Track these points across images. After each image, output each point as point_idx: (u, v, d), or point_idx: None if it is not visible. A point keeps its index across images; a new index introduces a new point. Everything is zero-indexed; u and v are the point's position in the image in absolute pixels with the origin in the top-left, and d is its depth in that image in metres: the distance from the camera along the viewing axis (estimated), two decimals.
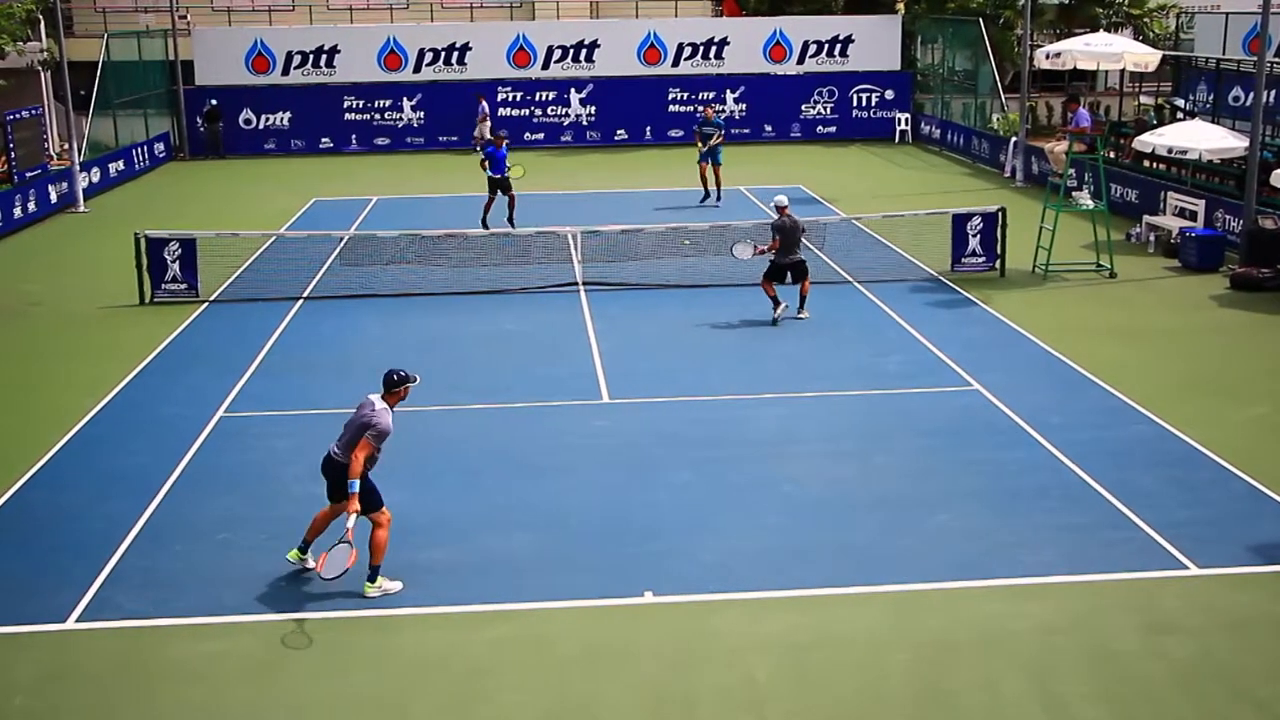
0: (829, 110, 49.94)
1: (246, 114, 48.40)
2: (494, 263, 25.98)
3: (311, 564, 11.78)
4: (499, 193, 28.64)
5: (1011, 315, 21.88)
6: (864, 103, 49.97)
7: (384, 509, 11.69)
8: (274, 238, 27.98)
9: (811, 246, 25.70)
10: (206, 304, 23.99)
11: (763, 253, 21.00)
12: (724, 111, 48.11)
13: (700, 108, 46.63)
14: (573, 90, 48.88)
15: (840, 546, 12.84)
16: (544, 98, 49.03)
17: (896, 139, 48.88)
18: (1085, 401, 17.28)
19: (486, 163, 28.65)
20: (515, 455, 15.45)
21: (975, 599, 11.79)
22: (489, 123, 45.97)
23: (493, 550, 12.77)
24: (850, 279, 24.93)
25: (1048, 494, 14.19)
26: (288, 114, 48.47)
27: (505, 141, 29.57)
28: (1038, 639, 11.13)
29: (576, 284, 24.38)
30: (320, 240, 27.24)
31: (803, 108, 49.91)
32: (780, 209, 21.20)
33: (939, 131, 46.72)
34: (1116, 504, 14.01)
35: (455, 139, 48.52)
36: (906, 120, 49.13)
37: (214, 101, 47.15)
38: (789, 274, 21.14)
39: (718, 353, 19.79)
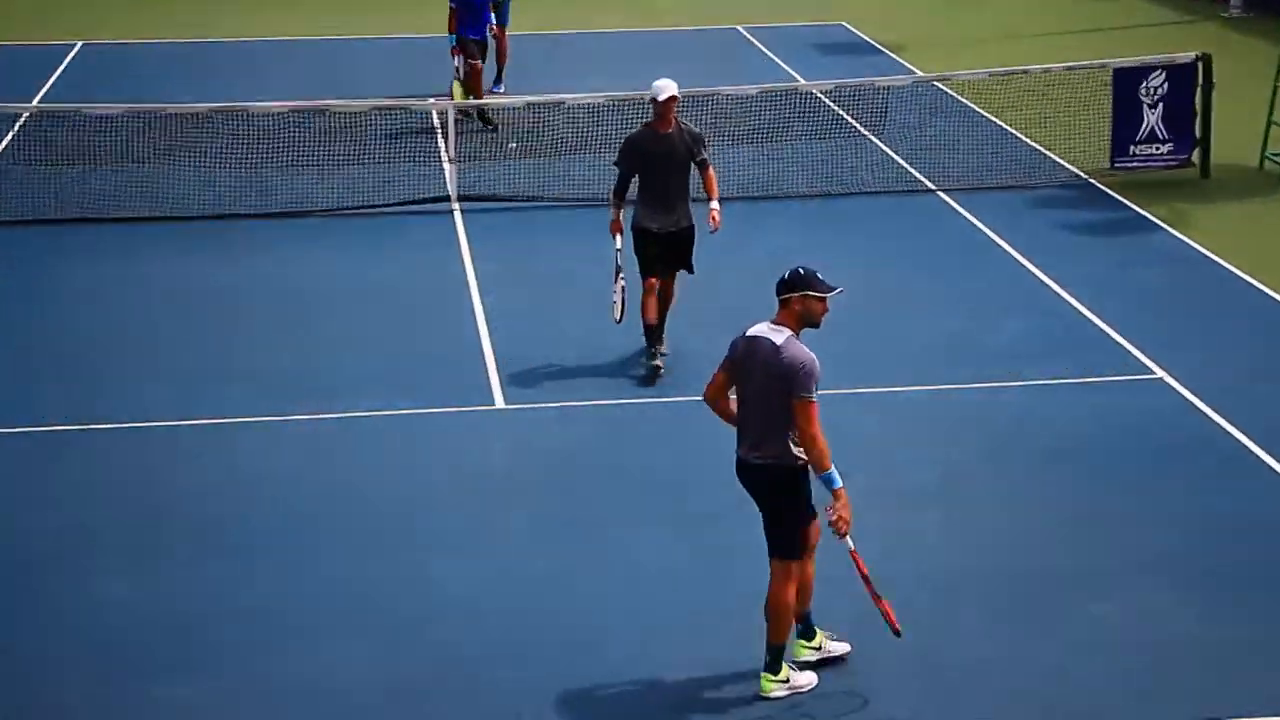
0: None
1: None
2: (303, 160, 21.38)
3: (840, 648, 10.25)
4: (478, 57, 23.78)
5: (1222, 247, 18.67)
6: None
7: (814, 522, 10.23)
8: None
9: (865, 132, 22.43)
10: None
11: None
12: None
13: None
14: None
15: (926, 667, 10.55)
16: None
17: None
18: None
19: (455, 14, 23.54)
20: (352, 507, 13.32)
21: None
22: None
23: (309, 683, 10.66)
24: (929, 184, 20.86)
25: None
26: None
27: None
28: None
29: (448, 199, 20.20)
30: None
31: None
32: (654, 105, 15.40)
33: None
34: None
35: None
36: None
37: None
38: (658, 256, 15.66)
39: (691, 315, 16.01)
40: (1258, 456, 13.38)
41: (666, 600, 11.51)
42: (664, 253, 14.81)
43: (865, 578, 9.73)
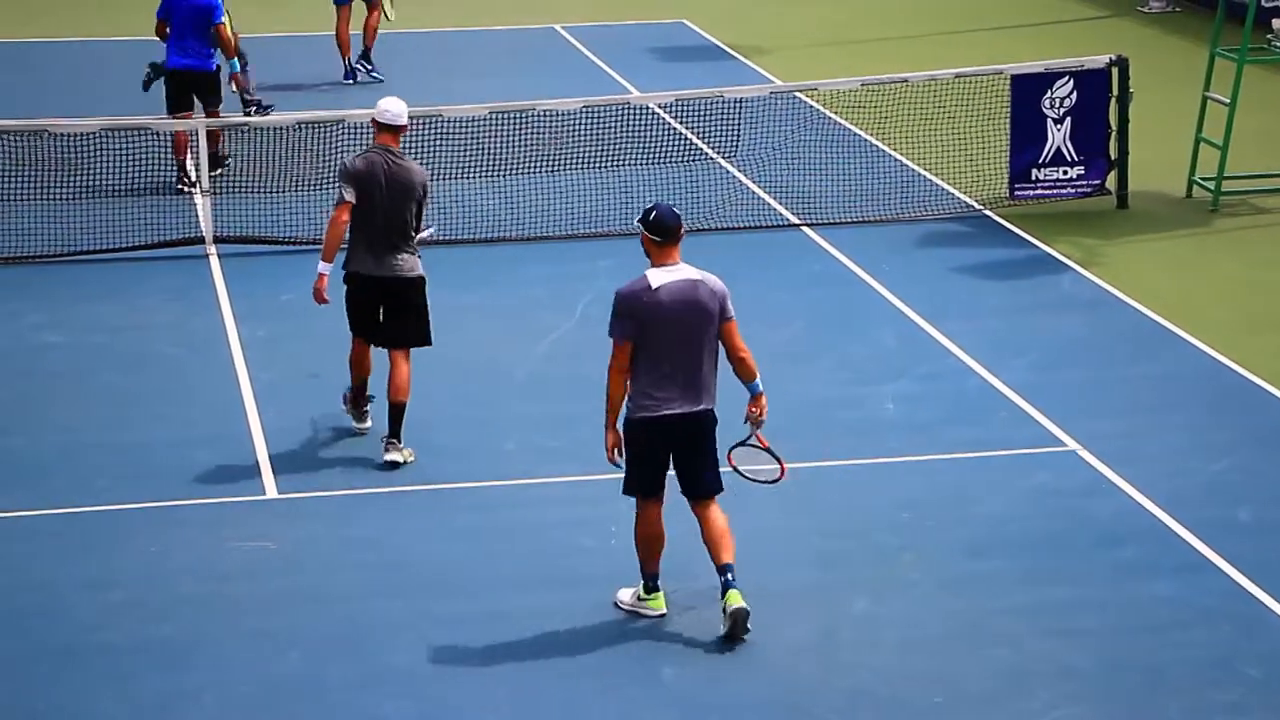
0: None
1: None
2: (11, 194, 19.43)
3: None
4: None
5: (1143, 292, 17.60)
6: None
7: None
8: None
9: (712, 154, 21.65)
10: None
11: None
12: None
13: None
14: None
15: None
16: None
17: None
18: None
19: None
20: (75, 626, 11.57)
21: None
22: None
23: None
24: (792, 217, 19.75)
25: (1251, 699, 10.63)
26: None
27: None
28: None
29: (201, 240, 18.59)
30: None
31: None
32: (380, 133, 13.73)
33: None
34: None
35: None
36: None
37: None
38: (378, 322, 14.02)
39: (504, 383, 14.93)
40: (1181, 538, 12.38)
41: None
42: (386, 315, 13.73)
43: (768, 449, 10.78)
